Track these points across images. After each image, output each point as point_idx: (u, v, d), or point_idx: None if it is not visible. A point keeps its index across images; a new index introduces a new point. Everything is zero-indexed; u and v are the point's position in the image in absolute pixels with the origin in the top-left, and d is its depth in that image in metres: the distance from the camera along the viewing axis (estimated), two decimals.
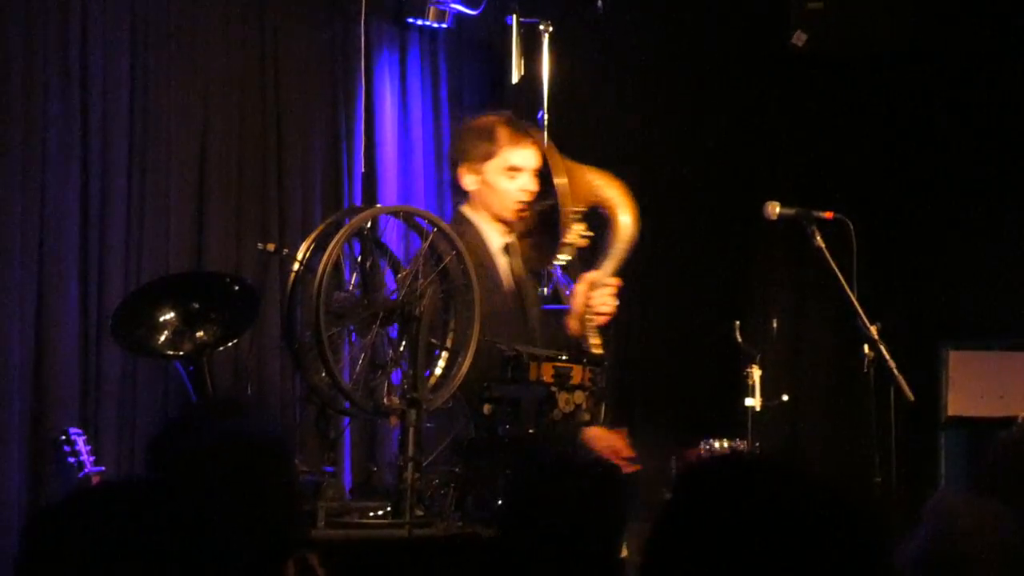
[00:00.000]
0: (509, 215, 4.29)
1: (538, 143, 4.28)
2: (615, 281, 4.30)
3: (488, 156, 4.23)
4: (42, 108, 4.60)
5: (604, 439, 4.13)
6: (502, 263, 4.30)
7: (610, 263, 4.30)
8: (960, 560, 2.65)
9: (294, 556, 2.62)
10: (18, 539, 1.93)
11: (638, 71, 5.93)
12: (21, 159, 4.56)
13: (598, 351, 4.20)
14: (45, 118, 4.61)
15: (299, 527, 2.52)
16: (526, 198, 4.23)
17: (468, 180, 4.27)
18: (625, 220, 4.31)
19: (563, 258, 4.24)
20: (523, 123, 4.30)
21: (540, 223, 4.29)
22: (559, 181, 4.18)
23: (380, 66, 5.36)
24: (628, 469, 3.99)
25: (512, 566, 2.32)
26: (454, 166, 4.34)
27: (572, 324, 4.24)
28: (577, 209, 4.16)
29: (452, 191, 4.42)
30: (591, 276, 4.26)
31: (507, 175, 4.24)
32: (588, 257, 4.32)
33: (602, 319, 4.25)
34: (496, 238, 4.32)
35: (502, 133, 4.23)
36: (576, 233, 4.21)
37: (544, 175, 4.23)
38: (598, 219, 4.33)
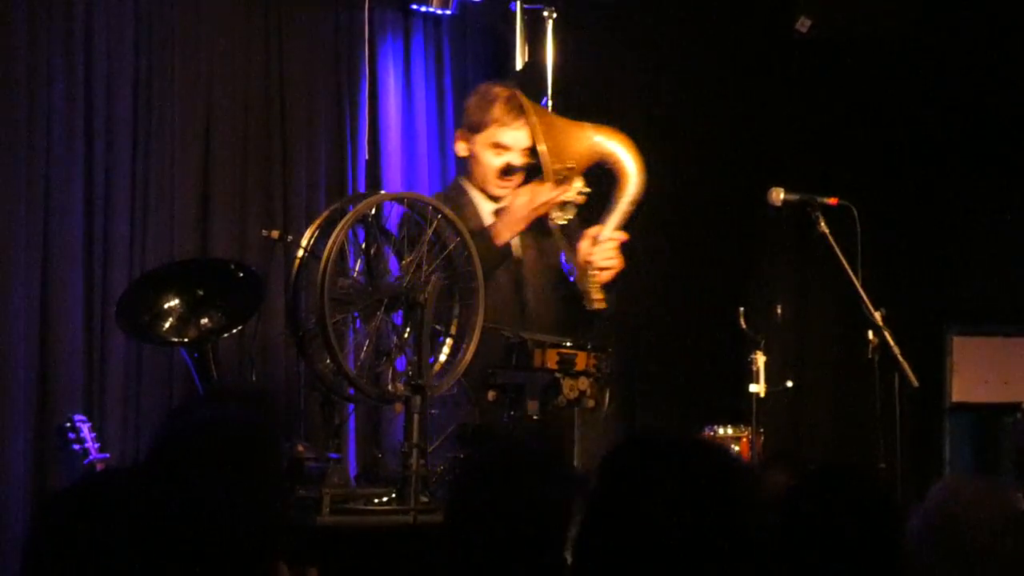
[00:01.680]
0: (491, 189, 4.33)
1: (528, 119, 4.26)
2: (619, 236, 4.29)
3: (479, 128, 4.26)
4: (46, 97, 4.62)
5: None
6: None
7: (613, 218, 4.30)
8: (959, 532, 2.66)
9: (293, 569, 2.62)
10: (25, 525, 1.94)
11: (642, 57, 5.92)
12: (25, 147, 4.57)
13: (600, 306, 4.19)
14: (49, 107, 4.62)
15: (280, 514, 2.51)
16: (507, 176, 4.24)
17: (460, 147, 4.34)
18: (629, 175, 4.31)
19: (563, 217, 4.23)
20: (520, 101, 4.27)
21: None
22: (540, 148, 4.17)
23: (384, 53, 5.36)
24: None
25: (457, 555, 2.32)
26: (456, 130, 4.40)
27: (578, 280, 4.24)
28: (565, 167, 4.14)
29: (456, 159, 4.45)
30: (593, 231, 4.26)
31: (493, 150, 4.26)
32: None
33: (605, 275, 4.24)
34: (488, 209, 4.34)
35: (497, 109, 4.24)
36: (575, 191, 4.20)
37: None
38: (607, 175, 4.32)
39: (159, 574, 2.04)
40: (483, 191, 4.36)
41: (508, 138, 4.26)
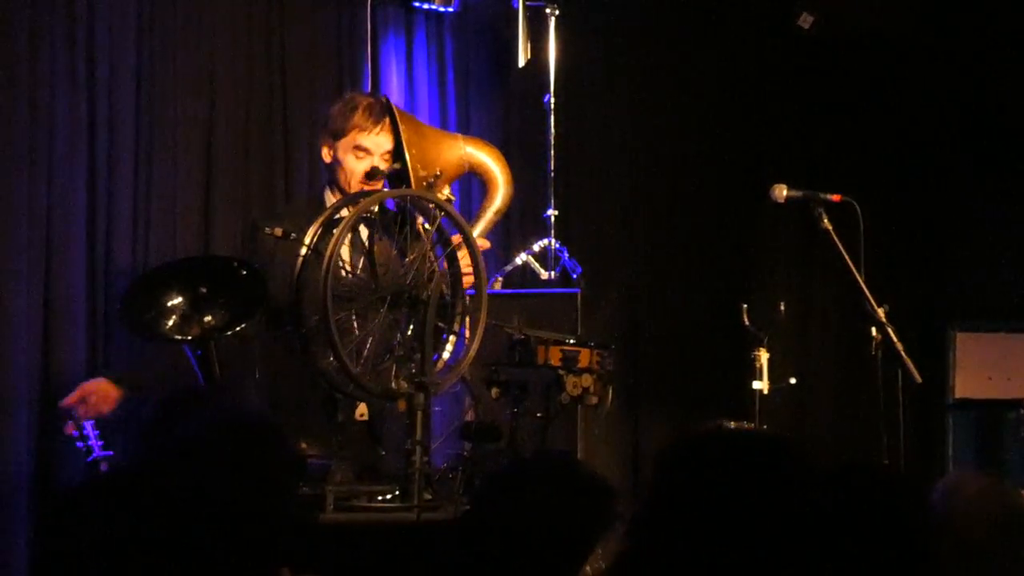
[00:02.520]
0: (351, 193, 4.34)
1: (390, 125, 4.30)
2: (481, 244, 4.31)
3: (342, 133, 4.31)
4: (48, 93, 4.61)
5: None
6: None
7: (479, 226, 4.40)
8: (961, 529, 2.66)
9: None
10: (29, 524, 1.93)
11: (644, 54, 5.92)
12: (28, 144, 4.56)
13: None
14: (51, 104, 4.61)
15: (293, 511, 2.52)
16: (372, 179, 4.28)
17: (324, 153, 4.36)
18: (498, 186, 4.42)
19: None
20: (381, 106, 4.32)
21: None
22: (406, 155, 4.23)
23: (386, 50, 5.36)
24: None
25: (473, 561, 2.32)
26: (319, 138, 4.44)
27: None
28: (431, 175, 4.18)
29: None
30: (456, 238, 4.30)
31: (354, 154, 4.31)
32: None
33: (468, 280, 4.24)
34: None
35: (358, 115, 4.30)
36: (443, 197, 4.24)
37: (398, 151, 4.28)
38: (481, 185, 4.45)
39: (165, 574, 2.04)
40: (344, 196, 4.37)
41: (369, 142, 4.30)
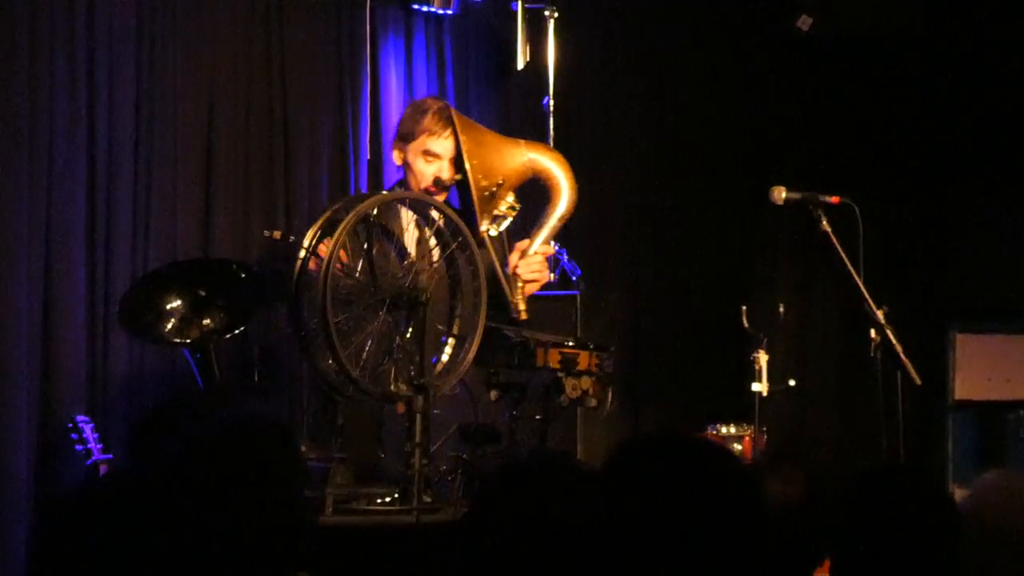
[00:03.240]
0: None
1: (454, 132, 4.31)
2: (546, 249, 4.35)
3: (411, 137, 4.37)
4: (47, 95, 4.59)
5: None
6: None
7: (542, 233, 4.36)
8: (989, 531, 2.65)
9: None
10: (28, 527, 1.92)
11: (643, 56, 5.91)
12: (27, 145, 4.54)
13: (523, 316, 4.22)
14: (50, 105, 4.59)
15: (306, 514, 2.52)
16: (436, 185, 4.31)
17: (395, 156, 4.44)
18: (561, 192, 4.37)
19: (492, 229, 4.26)
20: (449, 113, 4.33)
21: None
22: (466, 165, 4.22)
23: (386, 52, 5.34)
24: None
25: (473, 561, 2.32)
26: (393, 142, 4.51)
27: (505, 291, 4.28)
28: (493, 184, 4.18)
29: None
30: (521, 245, 4.32)
31: (424, 158, 4.36)
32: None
33: (531, 287, 4.30)
34: (409, 218, 4.35)
35: (428, 119, 4.36)
36: (507, 204, 4.23)
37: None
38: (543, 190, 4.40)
39: None
40: None
41: (438, 146, 4.36)
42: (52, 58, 4.61)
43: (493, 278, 4.22)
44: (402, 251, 3.95)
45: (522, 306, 4.24)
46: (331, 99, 5.23)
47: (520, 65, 5.35)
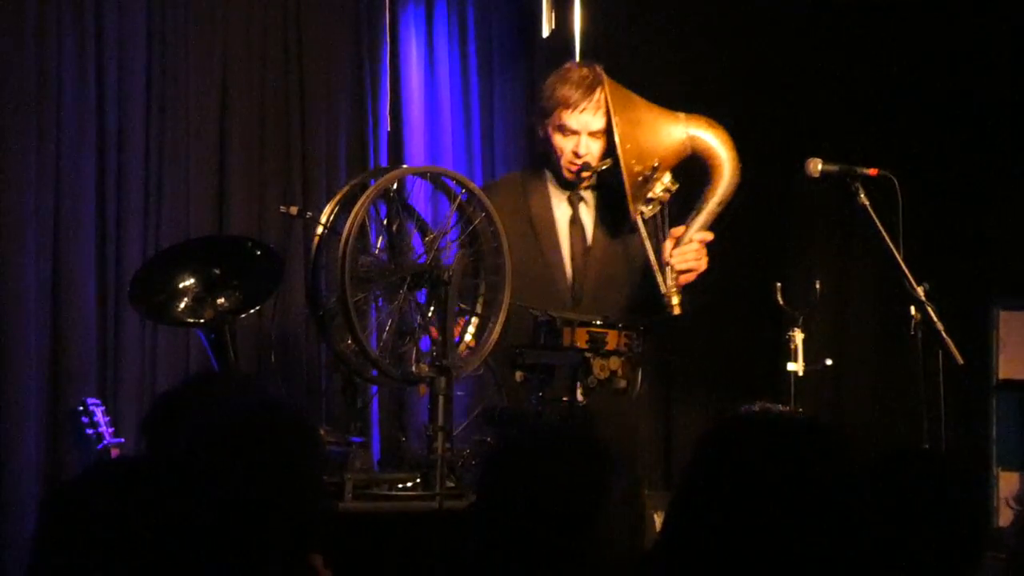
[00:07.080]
0: (563, 174, 4.20)
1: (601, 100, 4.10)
2: (704, 236, 4.15)
3: (549, 111, 4.15)
4: (56, 71, 4.54)
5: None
6: (561, 225, 4.20)
7: (699, 218, 4.16)
8: None
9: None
10: (36, 513, 1.90)
11: (671, 24, 5.79)
12: (36, 123, 4.50)
13: (676, 311, 4.06)
14: (59, 82, 4.55)
15: (324, 501, 2.50)
16: (578, 162, 4.10)
17: (539, 130, 4.21)
18: (724, 174, 4.17)
19: (650, 211, 4.07)
20: (592, 79, 4.10)
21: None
22: (619, 151, 4.01)
23: (405, 21, 5.23)
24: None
25: (485, 538, 2.26)
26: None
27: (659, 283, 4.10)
28: (647, 168, 4.00)
29: None
30: (676, 231, 4.12)
31: (560, 133, 4.14)
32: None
33: (687, 277, 4.10)
34: (558, 195, 4.22)
35: (565, 91, 4.10)
36: (662, 186, 4.06)
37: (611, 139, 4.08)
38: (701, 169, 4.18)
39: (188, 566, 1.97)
40: (557, 177, 4.21)
41: (573, 121, 4.11)
42: (60, 31, 4.55)
43: (645, 268, 4.07)
44: (423, 227, 3.85)
45: (676, 299, 4.06)
46: (349, 69, 5.14)
47: (545, 33, 5.25)
